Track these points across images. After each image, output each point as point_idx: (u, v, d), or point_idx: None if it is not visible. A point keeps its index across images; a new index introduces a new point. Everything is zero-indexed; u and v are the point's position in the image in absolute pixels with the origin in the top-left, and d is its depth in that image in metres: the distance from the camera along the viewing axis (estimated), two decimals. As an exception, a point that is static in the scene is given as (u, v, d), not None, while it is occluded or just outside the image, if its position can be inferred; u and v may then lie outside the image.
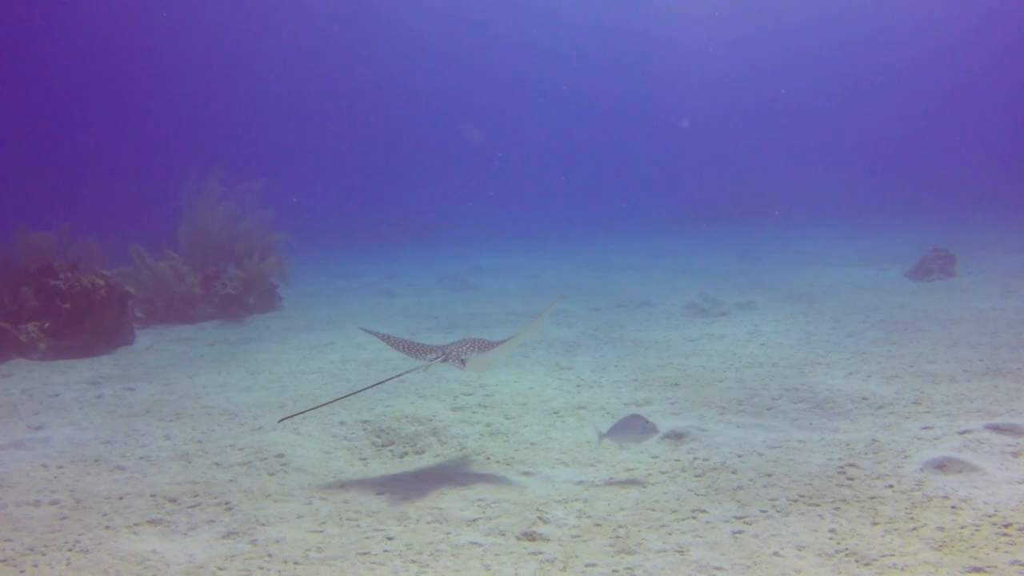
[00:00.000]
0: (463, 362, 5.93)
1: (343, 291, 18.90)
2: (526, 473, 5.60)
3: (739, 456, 5.53)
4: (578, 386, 7.99)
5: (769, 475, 5.10)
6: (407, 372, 6.56)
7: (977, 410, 6.20)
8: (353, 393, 6.44)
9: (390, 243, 33.13)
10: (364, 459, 6.33)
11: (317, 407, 7.11)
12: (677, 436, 6.11)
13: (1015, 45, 52.16)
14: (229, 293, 14.96)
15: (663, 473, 5.35)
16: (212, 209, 16.46)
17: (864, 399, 6.74)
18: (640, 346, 9.96)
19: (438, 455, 6.24)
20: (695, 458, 5.58)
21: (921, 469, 4.99)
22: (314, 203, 44.32)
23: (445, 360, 5.97)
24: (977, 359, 7.96)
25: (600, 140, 62.81)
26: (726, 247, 24.69)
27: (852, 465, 5.16)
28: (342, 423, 7.01)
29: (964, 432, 5.65)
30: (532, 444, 6.24)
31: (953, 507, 4.37)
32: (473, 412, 7.23)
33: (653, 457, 5.68)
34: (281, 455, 6.18)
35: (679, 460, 5.57)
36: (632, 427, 5.25)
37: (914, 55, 55.68)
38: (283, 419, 6.67)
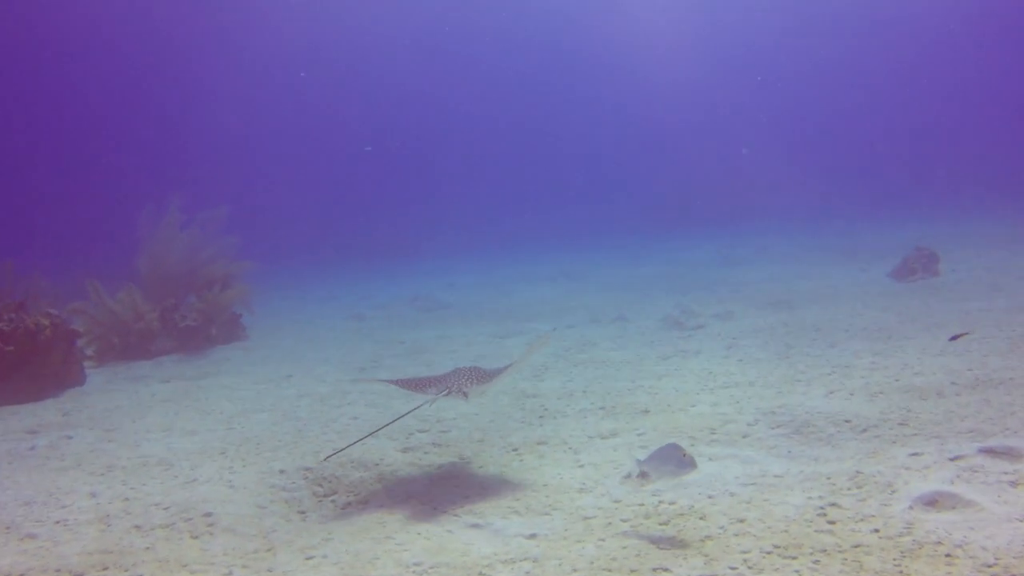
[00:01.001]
0: (465, 395, 6.06)
1: (313, 316, 18.31)
2: (474, 526, 5.04)
3: (709, 497, 4.98)
4: (541, 417, 7.43)
5: (741, 520, 4.55)
6: (417, 408, 6.23)
7: (969, 430, 5.67)
8: (384, 426, 5.87)
9: (366, 261, 32.53)
10: (303, 512, 5.75)
11: (348, 445, 6.55)
12: (642, 475, 5.54)
13: (988, 32, 52.05)
14: (189, 325, 14.36)
15: (624, 522, 4.79)
16: (172, 238, 15.88)
17: (847, 421, 6.20)
18: (611, 367, 9.41)
19: (382, 505, 5.66)
20: (660, 501, 5.02)
21: (910, 507, 4.45)
22: (291, 224, 43.69)
23: (449, 394, 6.08)
24: (966, 368, 7.45)
25: (579, 142, 62.35)
26: (707, 250, 24.20)
27: (834, 505, 4.61)
28: (282, 471, 6.44)
29: (956, 458, 5.12)
30: (484, 489, 5.67)
31: (947, 555, 3.84)
32: (426, 452, 6.66)
33: (615, 502, 5.13)
34: (209, 514, 5.59)
35: (643, 505, 5.01)
36: (668, 460, 4.61)
37: (886, 45, 55.50)
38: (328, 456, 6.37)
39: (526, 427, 7.11)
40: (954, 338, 8.12)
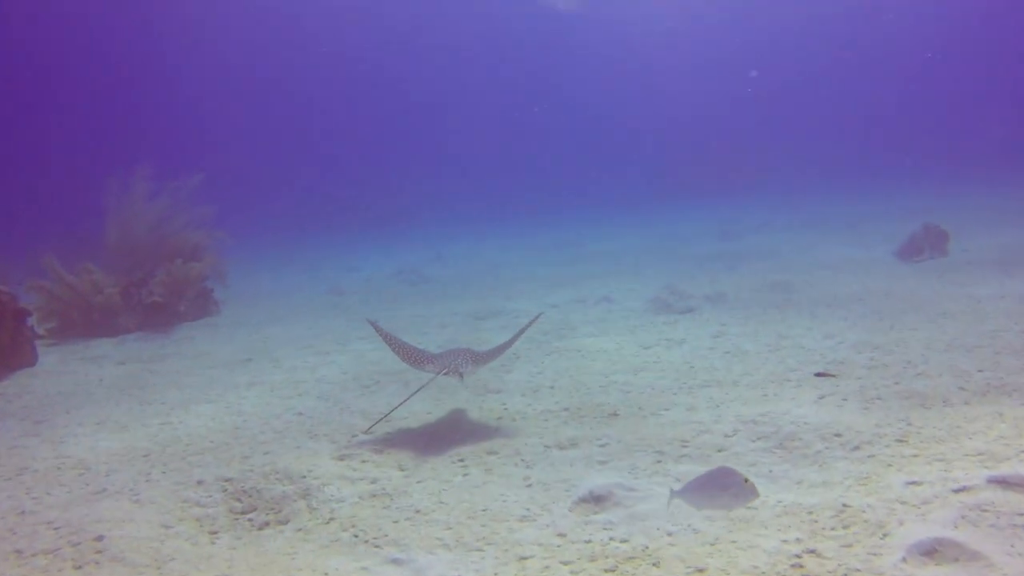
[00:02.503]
0: (461, 375, 6.29)
1: (293, 289, 17.58)
2: (395, 561, 4.30)
3: (668, 535, 4.23)
4: (499, 418, 6.67)
5: (701, 571, 3.80)
6: (421, 389, 6.82)
7: (978, 452, 4.89)
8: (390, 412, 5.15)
9: (358, 230, 31.73)
10: (215, 532, 5.03)
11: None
12: (596, 500, 4.80)
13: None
14: (155, 301, 13.61)
15: (565, 565, 4.04)
16: (140, 209, 15.08)
17: (837, 436, 5.42)
18: (586, 358, 8.64)
19: (300, 528, 4.93)
20: (611, 538, 4.27)
21: (904, 559, 3.70)
22: (283, 194, 42.90)
23: (447, 373, 6.34)
24: (975, 369, 6.66)
25: (578, 114, 61.11)
26: (707, 225, 23.34)
27: (812, 552, 3.85)
28: (200, 482, 5.70)
29: (962, 490, 4.35)
30: (417, 512, 4.93)
31: (947, 634, 3.08)
32: (363, 460, 5.92)
33: (559, 536, 4.37)
34: (101, 537, 4.86)
35: (590, 542, 4.26)
36: (721, 487, 3.74)
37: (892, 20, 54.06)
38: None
39: (480, 431, 6.36)
40: (820, 375, 6.93)
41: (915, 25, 52.84)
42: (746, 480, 3.70)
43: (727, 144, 44.30)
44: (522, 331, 6.84)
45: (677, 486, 4.02)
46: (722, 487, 3.74)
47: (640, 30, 57.74)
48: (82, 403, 8.60)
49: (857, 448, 5.20)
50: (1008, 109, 42.88)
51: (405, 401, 6.82)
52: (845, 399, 6.20)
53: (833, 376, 6.84)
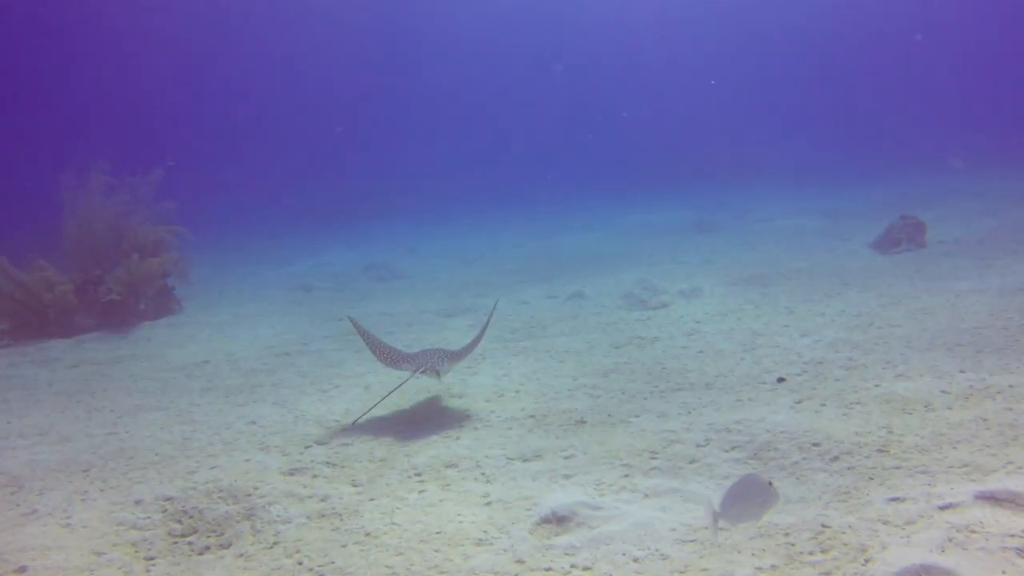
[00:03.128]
0: (438, 373, 6.51)
1: (260, 286, 17.14)
2: (338, 595, 3.95)
3: (635, 561, 3.90)
4: (460, 425, 6.32)
5: (668, 606, 3.47)
6: (400, 385, 6.94)
7: (963, 463, 4.60)
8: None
9: (334, 224, 31.23)
10: (151, 559, 4.67)
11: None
12: (559, 520, 4.47)
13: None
14: (113, 300, 13.15)
15: (522, 598, 3.71)
16: (98, 204, 14.58)
17: (815, 445, 5.12)
18: (555, 359, 8.31)
19: (242, 553, 4.57)
20: (573, 565, 3.94)
21: (888, 590, 3.38)
22: (251, 187, 42.28)
23: (424, 372, 6.55)
24: (957, 370, 6.38)
25: (552, 101, 60.63)
26: (683, 216, 23.06)
27: (789, 583, 3.53)
28: (138, 502, 5.32)
29: (948, 507, 4.05)
30: (367, 535, 4.58)
31: None
32: (314, 476, 5.56)
33: (517, 563, 4.04)
34: (23, 568, 4.48)
35: (550, 570, 3.93)
36: (751, 499, 3.53)
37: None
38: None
39: (439, 441, 6.01)
40: (781, 380, 6.62)
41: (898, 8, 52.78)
42: (771, 484, 3.48)
43: (703, 134, 44.10)
44: (485, 327, 7.14)
45: (714, 501, 3.67)
46: (753, 497, 3.46)
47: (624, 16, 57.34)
48: (27, 410, 8.19)
49: (836, 459, 4.90)
50: (992, 96, 42.93)
51: (386, 397, 6.97)
52: (823, 404, 5.90)
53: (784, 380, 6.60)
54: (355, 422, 6.65)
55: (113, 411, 7.90)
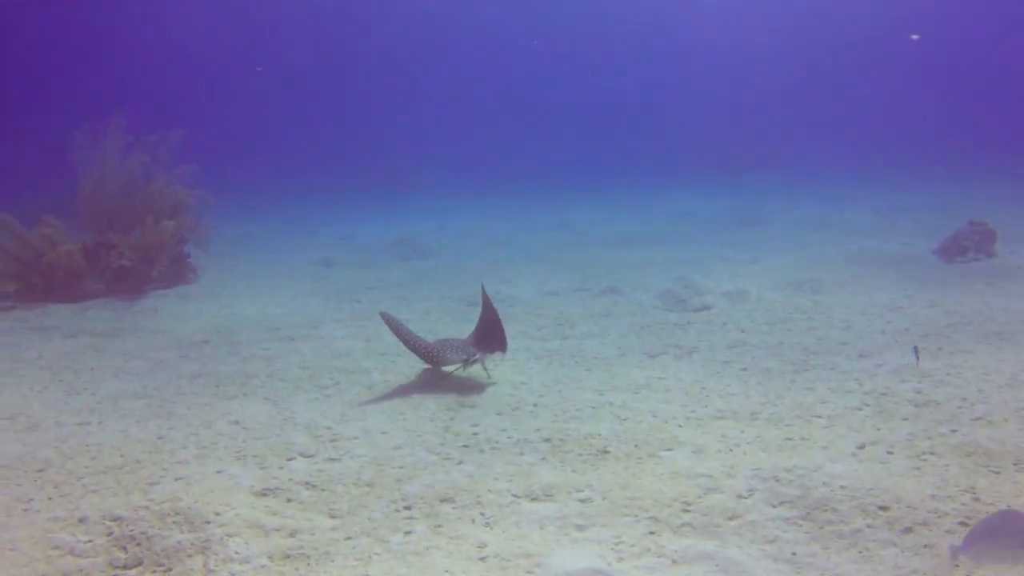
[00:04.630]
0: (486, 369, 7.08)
1: (281, 257, 16.45)
2: (285, 678, 3.15)
3: (655, 667, 3.06)
4: (464, 447, 5.50)
5: None
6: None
7: (1073, 553, 3.68)
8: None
9: (365, 194, 30.50)
10: (83, 595, 3.90)
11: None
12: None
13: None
14: (123, 265, 12.51)
15: None
16: (113, 163, 13.92)
17: (883, 509, 4.23)
18: (581, 366, 7.46)
19: (186, 600, 3.79)
20: (577, 666, 3.10)
21: None
22: (292, 154, 41.69)
23: (476, 362, 7.00)
24: (1049, 416, 5.43)
25: (592, 83, 59.26)
26: (728, 206, 21.99)
27: None
28: (83, 520, 4.59)
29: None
30: (333, 591, 3.78)
31: None
32: (288, 500, 4.77)
33: (508, 654, 3.21)
34: (-77, 603, 3.74)
35: (548, 671, 3.09)
36: (1010, 537, 2.91)
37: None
38: None
39: (437, 465, 5.19)
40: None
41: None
42: None
43: (752, 123, 42.73)
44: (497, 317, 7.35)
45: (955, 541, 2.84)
46: (1012, 536, 2.66)
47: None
48: (3, 387, 7.57)
49: (909, 531, 4.01)
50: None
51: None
52: (891, 451, 4.99)
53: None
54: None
55: (93, 395, 7.21)
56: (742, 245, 15.03)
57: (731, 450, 5.14)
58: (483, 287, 7.71)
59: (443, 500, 4.65)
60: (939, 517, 4.10)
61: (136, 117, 14.50)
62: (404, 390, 6.84)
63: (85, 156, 13.78)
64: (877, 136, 38.91)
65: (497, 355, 7.22)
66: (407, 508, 4.58)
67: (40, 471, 5.41)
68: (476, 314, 9.87)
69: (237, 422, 6.23)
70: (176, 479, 5.12)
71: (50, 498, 4.96)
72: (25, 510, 4.80)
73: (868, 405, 5.87)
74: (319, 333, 9.33)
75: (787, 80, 51.90)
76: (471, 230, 19.79)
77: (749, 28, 53.62)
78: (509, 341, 7.65)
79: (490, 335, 7.28)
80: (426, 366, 7.43)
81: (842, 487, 4.45)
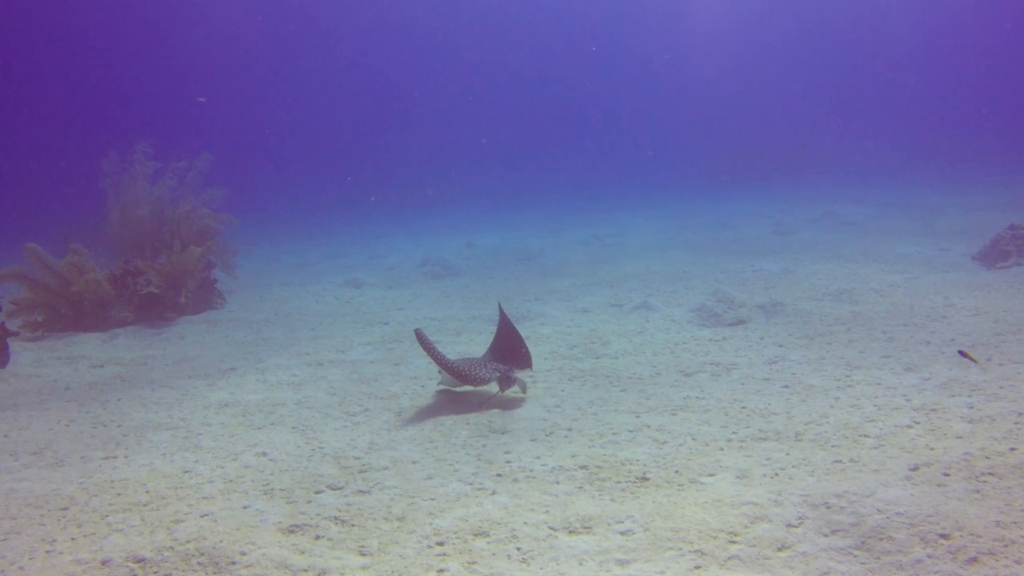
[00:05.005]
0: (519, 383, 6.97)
1: (309, 279, 16.37)
2: None
3: None
4: (498, 476, 5.30)
5: None
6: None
7: None
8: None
9: (388, 215, 30.48)
10: (105, 644, 3.74)
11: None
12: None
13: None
14: (151, 292, 12.46)
15: None
16: (141, 190, 13.92)
17: (943, 537, 3.98)
18: (616, 386, 7.24)
19: (211, 650, 3.62)
20: None
21: None
22: (311, 177, 41.80)
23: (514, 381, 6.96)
24: (1113, 432, 5.14)
25: (620, 93, 59.06)
26: (760, 215, 21.71)
27: None
28: (105, 562, 4.44)
29: None
30: (364, 637, 3.59)
31: None
32: (316, 537, 4.59)
33: None
34: (-58, 656, 3.60)
35: None
36: None
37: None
38: None
39: (470, 497, 4.99)
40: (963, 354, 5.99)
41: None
42: None
43: (783, 128, 42.32)
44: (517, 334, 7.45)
45: None
46: None
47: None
48: (32, 420, 7.44)
49: (975, 561, 3.76)
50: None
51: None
52: (947, 473, 4.73)
53: (975, 362, 5.61)
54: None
55: (120, 427, 7.09)
56: (775, 254, 14.75)
57: (777, 474, 4.90)
58: (500, 306, 7.73)
59: (477, 534, 4.45)
60: (1006, 546, 3.85)
61: (161, 140, 14.50)
62: (434, 416, 6.66)
63: (114, 182, 13.79)
64: (909, 139, 38.36)
65: (526, 372, 7.24)
66: (440, 544, 4.39)
67: (64, 509, 5.27)
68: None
69: (264, 453, 6.07)
70: (201, 516, 4.96)
71: (73, 539, 4.81)
72: (48, 552, 4.65)
73: (918, 423, 5.60)
74: (348, 357, 9.18)
75: (813, 84, 51.45)
76: (502, 245, 19.66)
77: (778, 32, 53.24)
78: (541, 362, 7.48)
79: (511, 351, 7.29)
80: (449, 388, 7.28)
81: (898, 513, 4.20)
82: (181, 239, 13.16)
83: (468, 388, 7.27)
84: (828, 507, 4.36)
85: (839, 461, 5.01)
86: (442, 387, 7.39)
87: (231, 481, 5.55)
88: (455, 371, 6.90)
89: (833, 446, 5.29)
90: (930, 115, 44.42)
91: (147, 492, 5.46)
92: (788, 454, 5.21)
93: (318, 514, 4.87)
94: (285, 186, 38.75)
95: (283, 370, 8.76)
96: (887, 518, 4.17)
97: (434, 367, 7.76)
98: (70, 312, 12.21)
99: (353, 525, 4.70)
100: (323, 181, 40.38)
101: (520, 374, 7.16)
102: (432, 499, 4.98)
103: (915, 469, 4.79)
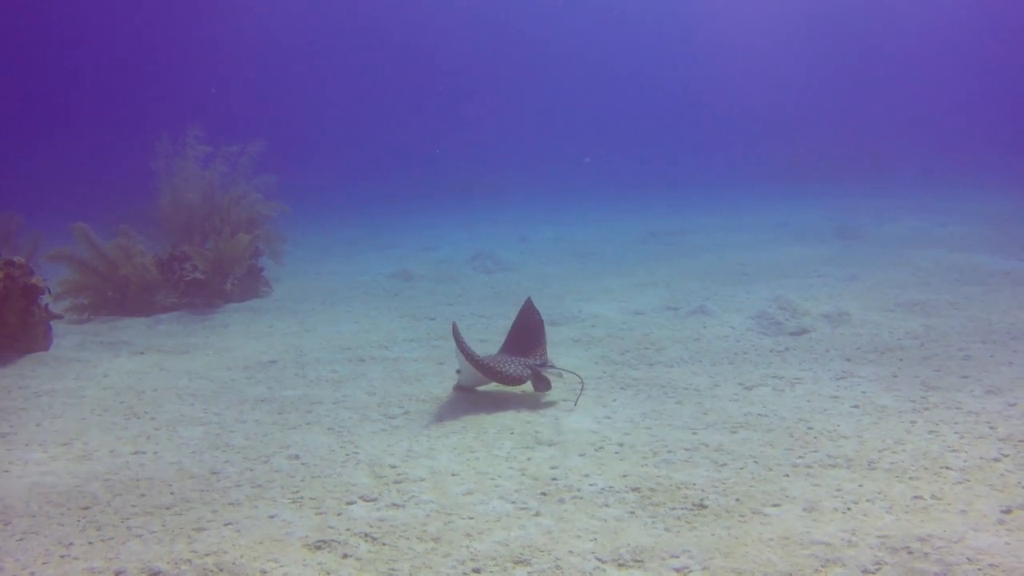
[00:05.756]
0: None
1: (358, 270, 16.14)
2: None
3: None
4: (543, 495, 4.91)
5: None
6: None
7: None
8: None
9: (443, 206, 30.23)
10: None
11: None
12: None
13: None
14: (197, 278, 12.29)
15: None
16: (191, 174, 13.76)
17: (1045, 597, 3.50)
18: (671, 399, 6.80)
19: None
20: None
21: None
22: (367, 165, 41.75)
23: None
24: None
25: (676, 89, 58.14)
26: (821, 217, 21.01)
27: None
28: (118, 573, 4.14)
29: None
30: None
31: None
32: (343, 556, 4.25)
33: None
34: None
35: None
36: None
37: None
38: None
39: (512, 518, 4.61)
40: None
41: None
42: None
43: (843, 126, 41.25)
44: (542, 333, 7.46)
45: None
46: None
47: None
48: (65, 408, 7.24)
49: (1083, 628, 3.28)
50: None
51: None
52: (1044, 518, 4.24)
53: None
54: None
55: (153, 420, 6.85)
56: (838, 260, 14.15)
57: (849, 509, 4.44)
58: (530, 299, 7.70)
59: (517, 562, 4.07)
60: (1119, 611, 3.36)
61: (213, 126, 14.35)
62: (478, 423, 6.30)
63: (165, 165, 13.65)
64: (969, 142, 37.10)
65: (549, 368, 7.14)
66: (476, 572, 4.02)
67: (85, 509, 5.01)
68: (558, 334, 9.33)
69: (296, 456, 5.76)
70: (225, 524, 4.66)
71: (90, 542, 4.54)
72: (63, 556, 4.38)
73: (1007, 455, 5.09)
74: (391, 354, 8.87)
75: (893, 90, 50.13)
76: (556, 240, 19.28)
77: (839, 37, 52.01)
78: (591, 367, 7.12)
79: (532, 344, 7.28)
80: (469, 387, 6.98)
81: (992, 565, 3.73)
82: (230, 225, 12.98)
83: (492, 387, 6.98)
84: (910, 552, 3.90)
85: (920, 497, 4.53)
86: (463, 384, 7.07)
87: (259, 487, 5.24)
88: (485, 368, 6.67)
89: (911, 478, 4.81)
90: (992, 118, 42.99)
91: (172, 494, 5.18)
92: (861, 485, 4.74)
93: (348, 529, 4.53)
94: (344, 175, 38.74)
95: (323, 365, 8.47)
96: (980, 570, 3.71)
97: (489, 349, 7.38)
98: (116, 296, 12.09)
99: (384, 544, 4.35)
100: (381, 171, 40.30)
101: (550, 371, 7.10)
102: (471, 518, 4.62)
103: (1008, 511, 4.30)
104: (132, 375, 8.45)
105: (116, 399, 7.52)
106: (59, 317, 10.20)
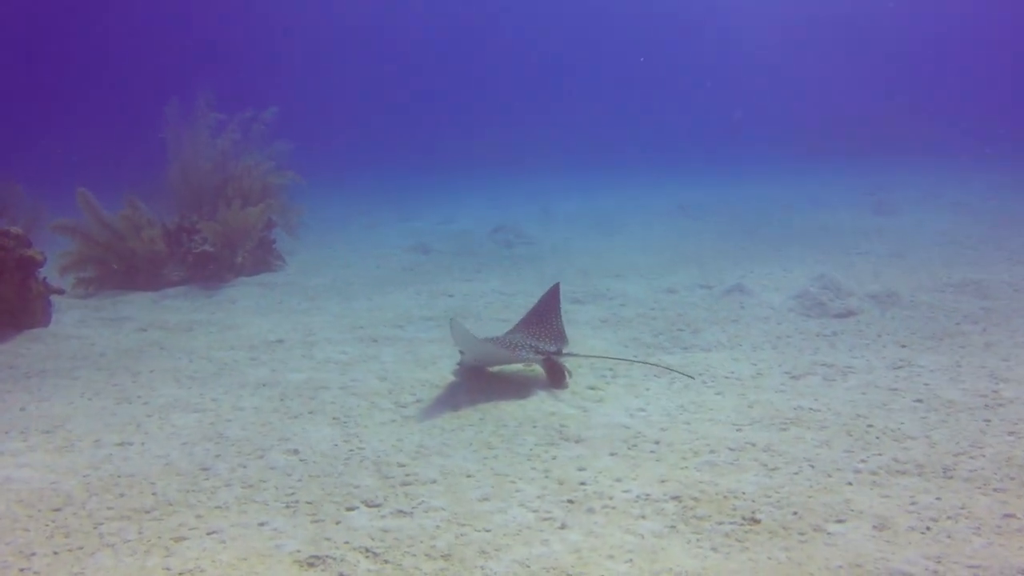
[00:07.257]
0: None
1: (376, 243, 15.57)
2: None
3: None
4: (569, 503, 4.30)
5: None
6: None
7: None
8: None
9: (465, 173, 29.58)
10: None
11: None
12: None
13: None
14: (205, 251, 11.73)
15: None
16: (202, 142, 13.16)
17: None
18: (711, 388, 6.17)
19: None
20: None
21: None
22: (382, 130, 41.08)
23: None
24: None
25: (705, 58, 56.93)
26: (857, 190, 20.18)
27: None
28: (81, 593, 3.57)
29: None
30: None
31: None
32: (341, 573, 3.66)
33: None
34: None
35: None
36: None
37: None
38: None
39: (534, 530, 4.01)
40: None
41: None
42: None
43: (879, 100, 40.12)
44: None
45: None
46: None
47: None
48: (54, 391, 6.72)
49: None
50: None
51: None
52: None
53: None
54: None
55: (146, 404, 6.32)
56: (879, 236, 13.40)
57: (929, 528, 3.80)
58: (558, 286, 7.29)
59: (540, 586, 3.47)
60: None
61: (228, 93, 13.76)
62: (497, 416, 5.69)
63: (175, 133, 13.05)
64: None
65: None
66: (492, 599, 3.42)
67: (57, 510, 4.46)
68: (583, 314, 8.70)
69: (295, 451, 5.19)
70: (208, 533, 4.10)
71: (56, 552, 3.99)
72: (22, 570, 3.83)
73: (1102, 462, 4.43)
74: (405, 334, 8.28)
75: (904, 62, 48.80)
76: (580, 213, 18.63)
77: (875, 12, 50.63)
78: (621, 350, 6.53)
79: (548, 326, 6.82)
80: (473, 366, 6.55)
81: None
82: (242, 196, 12.41)
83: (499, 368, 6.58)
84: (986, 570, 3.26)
85: (1012, 516, 3.88)
86: (467, 364, 6.64)
87: (251, 487, 4.67)
88: (489, 349, 6.25)
89: (996, 490, 4.17)
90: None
91: (154, 495, 4.63)
92: (939, 498, 4.10)
93: (346, 542, 3.95)
94: (366, 146, 38.13)
95: (333, 345, 7.90)
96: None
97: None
98: (122, 269, 11.57)
99: (387, 561, 3.77)
100: (396, 141, 39.65)
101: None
102: (487, 530, 4.02)
103: (1117, 534, 3.65)
104: (129, 354, 7.92)
105: (109, 381, 6.99)
106: (60, 291, 9.67)
